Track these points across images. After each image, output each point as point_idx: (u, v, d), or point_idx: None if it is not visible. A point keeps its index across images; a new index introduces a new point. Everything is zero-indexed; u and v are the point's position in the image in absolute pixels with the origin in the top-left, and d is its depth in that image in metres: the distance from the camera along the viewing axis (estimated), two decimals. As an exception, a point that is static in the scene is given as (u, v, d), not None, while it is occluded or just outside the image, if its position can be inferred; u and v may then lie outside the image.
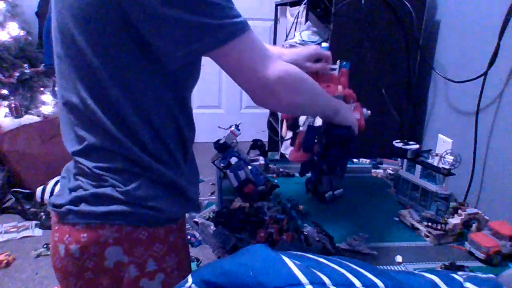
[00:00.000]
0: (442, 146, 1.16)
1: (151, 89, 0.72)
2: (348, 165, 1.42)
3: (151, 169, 0.74)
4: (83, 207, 0.73)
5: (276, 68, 0.72)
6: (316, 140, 1.05)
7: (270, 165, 1.43)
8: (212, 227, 0.96)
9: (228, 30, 0.67)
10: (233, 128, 1.22)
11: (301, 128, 1.12)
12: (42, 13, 3.27)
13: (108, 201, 0.72)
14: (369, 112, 1.13)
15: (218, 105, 4.08)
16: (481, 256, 0.91)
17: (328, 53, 1.11)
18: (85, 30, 0.68)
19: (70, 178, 0.78)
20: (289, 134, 1.22)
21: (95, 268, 0.74)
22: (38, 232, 2.44)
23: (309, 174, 1.19)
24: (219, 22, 0.65)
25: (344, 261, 0.53)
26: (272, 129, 2.46)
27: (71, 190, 0.76)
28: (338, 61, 1.12)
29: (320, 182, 1.15)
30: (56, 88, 0.81)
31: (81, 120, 0.74)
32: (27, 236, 2.38)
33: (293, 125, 1.14)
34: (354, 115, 1.04)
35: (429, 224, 1.01)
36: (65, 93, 0.75)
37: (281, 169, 1.40)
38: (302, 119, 1.14)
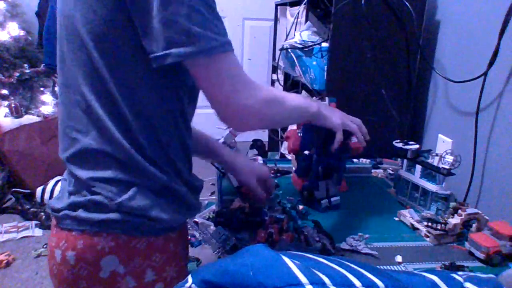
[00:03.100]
0: (442, 146, 1.16)
1: (153, 89, 0.72)
2: (348, 165, 1.43)
3: (146, 174, 0.72)
4: (80, 213, 0.72)
5: (245, 95, 0.71)
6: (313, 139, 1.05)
7: (268, 165, 1.42)
8: (212, 227, 0.96)
9: (209, 43, 0.65)
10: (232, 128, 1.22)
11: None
12: (42, 13, 3.27)
13: (105, 208, 0.71)
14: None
15: (218, 105, 4.07)
16: (481, 256, 0.91)
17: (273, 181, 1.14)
18: (87, 23, 0.68)
19: (71, 180, 0.77)
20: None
21: (89, 277, 0.72)
22: (38, 232, 2.44)
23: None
24: (202, 32, 0.65)
25: (344, 261, 0.53)
26: (272, 129, 2.46)
27: (71, 193, 0.75)
28: (326, 98, 1.22)
29: (317, 188, 1.11)
30: (56, 89, 0.80)
31: (77, 120, 0.73)
32: (27, 236, 2.39)
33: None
34: (352, 139, 1.06)
35: (429, 224, 1.01)
36: (65, 92, 0.75)
37: (280, 168, 1.40)
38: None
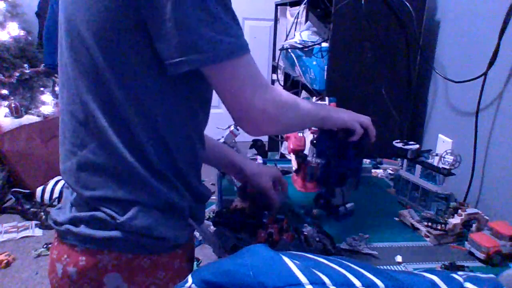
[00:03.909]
0: (442, 146, 1.16)
1: (164, 95, 0.68)
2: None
3: (148, 189, 0.69)
4: (83, 229, 0.70)
5: (264, 99, 0.70)
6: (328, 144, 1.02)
7: (268, 165, 1.42)
8: (212, 227, 0.96)
9: (227, 47, 0.63)
10: (232, 128, 1.22)
11: (309, 158, 1.10)
12: (42, 13, 3.28)
13: (107, 226, 0.69)
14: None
15: (217, 105, 4.06)
16: (481, 256, 0.91)
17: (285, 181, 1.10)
18: (91, 25, 0.64)
19: (72, 192, 0.74)
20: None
21: None
22: (38, 232, 2.44)
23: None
24: (218, 37, 0.62)
25: (344, 261, 0.53)
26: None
27: (73, 204, 0.74)
28: (326, 98, 1.25)
29: (333, 195, 1.06)
30: (56, 89, 0.79)
31: (73, 133, 0.71)
32: (27, 236, 2.39)
33: (301, 157, 1.14)
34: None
35: (429, 224, 1.01)
36: (62, 101, 0.73)
37: (280, 168, 1.40)
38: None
